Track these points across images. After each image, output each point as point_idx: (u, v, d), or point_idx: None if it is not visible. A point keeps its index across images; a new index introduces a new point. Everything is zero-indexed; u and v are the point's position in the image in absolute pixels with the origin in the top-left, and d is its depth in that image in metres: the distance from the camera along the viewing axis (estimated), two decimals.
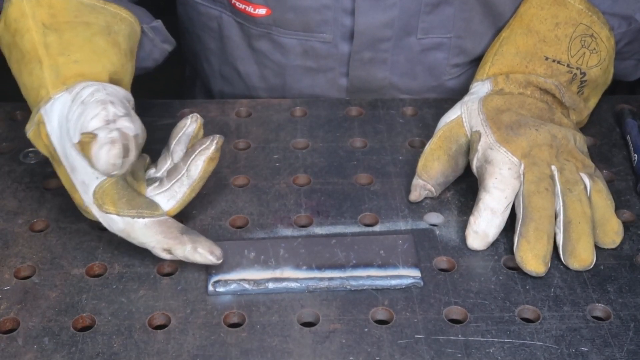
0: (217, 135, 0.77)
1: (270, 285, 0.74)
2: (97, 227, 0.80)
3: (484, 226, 0.77)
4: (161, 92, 0.98)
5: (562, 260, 0.76)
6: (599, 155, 0.91)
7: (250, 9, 0.99)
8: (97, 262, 0.76)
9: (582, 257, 0.75)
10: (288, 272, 0.74)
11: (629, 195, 0.85)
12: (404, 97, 1.02)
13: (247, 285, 0.73)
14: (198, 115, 0.79)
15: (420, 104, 0.98)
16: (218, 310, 0.72)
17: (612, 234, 0.78)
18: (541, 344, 0.69)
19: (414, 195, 0.84)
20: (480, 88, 0.89)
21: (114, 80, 0.79)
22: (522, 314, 0.72)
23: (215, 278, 0.74)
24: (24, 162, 0.89)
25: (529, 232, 0.75)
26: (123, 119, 0.72)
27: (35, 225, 0.81)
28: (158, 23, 0.92)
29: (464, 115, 0.85)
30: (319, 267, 0.75)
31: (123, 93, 0.78)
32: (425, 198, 0.84)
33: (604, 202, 0.79)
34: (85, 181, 0.74)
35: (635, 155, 0.89)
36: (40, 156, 0.89)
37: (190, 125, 0.79)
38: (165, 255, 0.73)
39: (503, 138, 0.81)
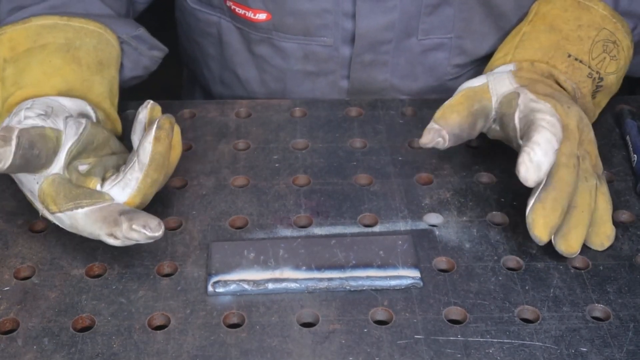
0: (164, 115, 0.75)
1: (270, 285, 0.74)
2: None
3: (539, 157, 0.74)
4: (162, 93, 0.98)
5: (551, 238, 0.75)
6: (599, 156, 0.90)
7: (250, 14, 0.98)
8: (97, 263, 0.76)
9: (570, 244, 0.75)
10: (288, 273, 0.74)
11: (629, 195, 0.85)
12: (405, 98, 1.02)
13: (246, 286, 0.73)
14: (151, 101, 0.78)
15: (420, 105, 0.98)
16: (218, 311, 0.72)
17: (604, 237, 0.78)
18: (541, 344, 0.69)
19: (427, 139, 0.81)
20: (504, 68, 0.88)
21: (70, 96, 0.80)
22: (522, 315, 0.72)
23: (214, 278, 0.74)
24: None
25: (548, 199, 0.74)
26: (30, 119, 0.73)
27: (35, 225, 0.81)
28: (140, 32, 0.92)
29: (491, 82, 0.83)
30: (319, 268, 0.75)
31: (67, 103, 0.79)
32: (425, 198, 0.84)
33: (604, 204, 0.79)
34: (31, 189, 0.75)
35: (635, 155, 0.89)
36: None
37: (141, 112, 0.77)
38: (114, 242, 0.71)
39: (543, 96, 0.79)
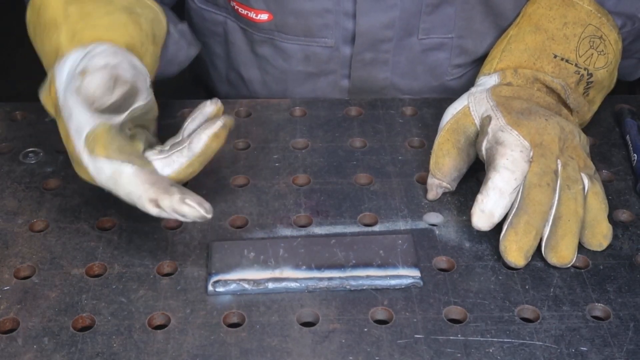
0: (227, 115, 0.76)
1: (270, 285, 0.74)
2: (97, 227, 0.80)
3: (490, 205, 0.76)
4: (162, 92, 0.97)
5: (542, 252, 0.76)
6: (599, 155, 0.91)
7: (252, 15, 0.99)
8: (97, 262, 0.76)
9: (562, 254, 0.75)
10: (287, 272, 0.74)
11: (629, 195, 0.85)
12: (405, 97, 1.02)
13: (246, 285, 0.73)
14: (219, 100, 0.78)
15: (420, 104, 0.98)
16: (218, 310, 0.72)
17: (601, 237, 0.78)
18: (541, 343, 0.69)
19: (432, 195, 0.84)
20: (487, 80, 0.89)
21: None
22: (522, 314, 0.72)
23: (214, 278, 0.74)
24: (24, 162, 0.89)
25: (520, 224, 0.75)
26: (122, 66, 0.73)
27: (35, 225, 0.81)
28: (185, 26, 0.92)
29: (472, 104, 0.85)
30: (319, 267, 0.75)
31: (138, 63, 0.78)
32: (425, 198, 0.84)
33: (598, 204, 0.78)
34: (80, 127, 0.72)
35: (635, 155, 0.89)
36: (40, 156, 0.89)
37: (209, 106, 0.77)
38: (151, 209, 0.70)
39: (514, 121, 0.80)
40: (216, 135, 0.74)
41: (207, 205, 0.70)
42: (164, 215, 0.70)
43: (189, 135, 0.75)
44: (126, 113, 0.74)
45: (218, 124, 0.74)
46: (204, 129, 0.74)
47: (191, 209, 0.69)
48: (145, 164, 0.71)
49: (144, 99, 0.76)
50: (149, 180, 0.70)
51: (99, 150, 0.71)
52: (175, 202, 0.69)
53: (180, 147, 0.74)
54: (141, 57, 0.81)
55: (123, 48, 0.78)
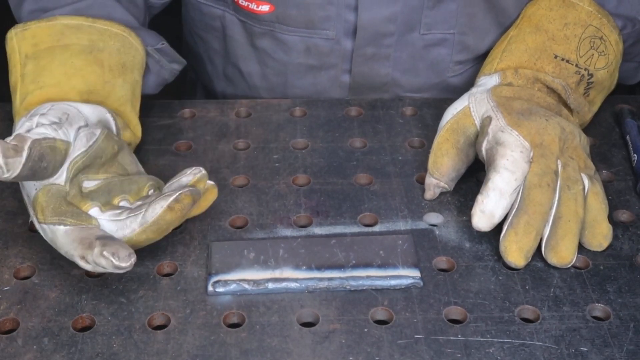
0: (194, 190, 0.73)
1: (270, 285, 0.74)
2: None
3: (491, 206, 0.76)
4: (162, 92, 0.98)
5: (542, 252, 0.76)
6: (599, 155, 0.91)
7: (253, 6, 0.99)
8: None
9: (562, 255, 0.75)
10: (288, 272, 0.74)
11: (629, 195, 0.85)
12: (406, 94, 1.02)
13: (246, 286, 0.73)
14: (201, 169, 0.76)
15: (420, 104, 0.98)
16: (218, 311, 0.72)
17: (601, 237, 0.78)
18: (541, 344, 0.69)
19: (429, 194, 0.84)
20: (487, 81, 0.89)
21: (91, 99, 0.80)
22: (522, 314, 0.72)
23: (214, 278, 0.74)
24: None
25: (520, 225, 0.75)
26: (43, 127, 0.72)
27: (35, 225, 0.81)
28: (164, 45, 0.93)
29: (472, 104, 0.85)
30: (319, 267, 0.75)
31: (86, 110, 0.78)
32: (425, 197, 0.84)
33: (598, 205, 0.78)
34: (28, 194, 0.74)
35: (635, 155, 0.89)
36: None
37: (187, 175, 0.76)
38: (85, 265, 0.69)
39: (514, 122, 0.80)
40: (170, 208, 0.71)
41: (123, 253, 0.68)
42: (97, 269, 0.69)
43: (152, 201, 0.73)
44: (60, 173, 0.73)
45: (173, 198, 0.71)
46: (160, 200, 0.71)
47: (106, 260, 0.67)
48: (81, 221, 0.71)
49: (82, 146, 0.74)
50: (77, 238, 0.70)
51: (39, 215, 0.72)
52: (96, 255, 0.68)
53: (136, 212, 0.72)
54: (106, 96, 0.81)
55: (67, 102, 0.78)
